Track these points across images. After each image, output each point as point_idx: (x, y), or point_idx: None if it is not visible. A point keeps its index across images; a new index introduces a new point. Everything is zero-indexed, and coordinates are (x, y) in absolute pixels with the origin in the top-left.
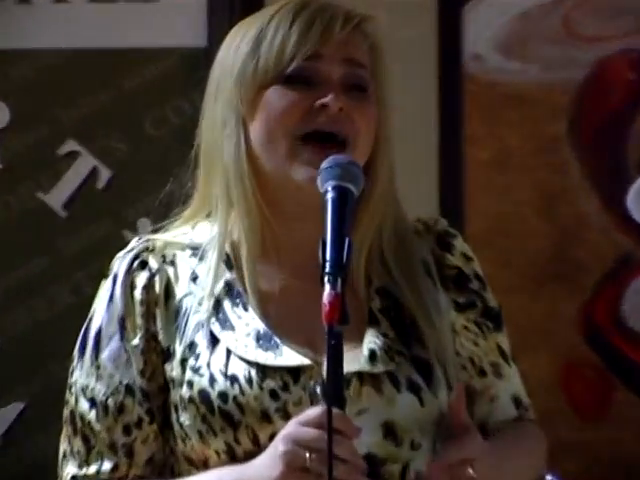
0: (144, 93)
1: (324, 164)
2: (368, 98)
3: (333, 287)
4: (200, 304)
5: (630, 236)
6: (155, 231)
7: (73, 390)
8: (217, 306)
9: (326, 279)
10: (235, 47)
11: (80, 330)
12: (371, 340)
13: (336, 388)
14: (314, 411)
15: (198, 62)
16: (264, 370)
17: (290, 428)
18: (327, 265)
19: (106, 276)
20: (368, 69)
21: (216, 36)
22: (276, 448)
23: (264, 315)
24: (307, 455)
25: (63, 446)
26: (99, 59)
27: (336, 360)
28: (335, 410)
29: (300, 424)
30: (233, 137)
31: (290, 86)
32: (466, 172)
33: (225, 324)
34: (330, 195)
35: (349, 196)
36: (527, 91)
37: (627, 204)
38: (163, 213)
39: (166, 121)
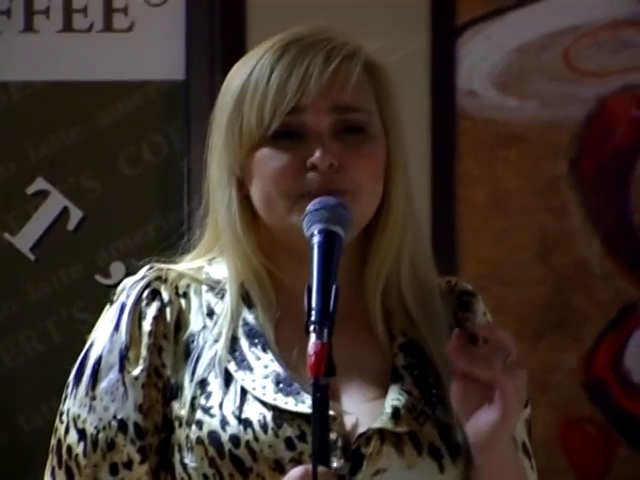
0: (118, 129)
1: (310, 207)
2: (366, 138)
3: (319, 337)
4: (216, 341)
5: (633, 284)
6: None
7: (64, 418)
8: (234, 344)
9: (311, 328)
10: (223, 102)
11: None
12: (394, 397)
13: (321, 444)
14: (298, 470)
15: (175, 96)
16: (281, 416)
17: None
18: (313, 314)
19: (111, 302)
20: (364, 107)
21: (195, 68)
22: None
23: (284, 359)
24: None
25: (46, 477)
26: (70, 93)
27: (321, 414)
28: (321, 469)
29: None
30: (225, 198)
31: (278, 145)
32: (460, 214)
33: (242, 364)
34: (316, 239)
35: (336, 240)
36: (524, 129)
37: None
38: (138, 256)
39: (141, 159)
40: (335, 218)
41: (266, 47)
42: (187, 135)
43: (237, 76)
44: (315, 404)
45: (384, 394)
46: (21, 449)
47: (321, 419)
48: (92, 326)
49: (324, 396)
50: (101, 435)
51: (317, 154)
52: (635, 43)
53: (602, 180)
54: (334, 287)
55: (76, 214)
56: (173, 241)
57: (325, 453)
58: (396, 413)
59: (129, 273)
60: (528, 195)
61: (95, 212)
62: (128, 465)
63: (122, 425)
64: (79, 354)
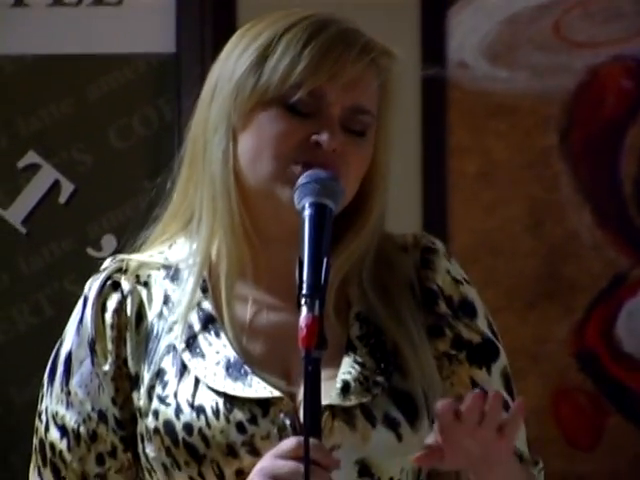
0: (109, 102)
1: (302, 179)
2: (365, 142)
3: (310, 310)
4: (171, 329)
5: (624, 254)
6: (133, 248)
7: (43, 417)
8: (189, 332)
9: (303, 301)
10: (240, 52)
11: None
12: (346, 370)
13: (314, 417)
14: (290, 442)
15: (166, 69)
16: (232, 401)
17: (266, 461)
18: (304, 286)
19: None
20: (373, 111)
21: (186, 42)
22: None
23: (237, 343)
24: None
25: (32, 477)
26: (61, 66)
27: (314, 387)
28: (312, 440)
29: (276, 457)
30: (222, 145)
31: (288, 112)
32: (451, 186)
33: (195, 351)
34: (307, 212)
35: (327, 213)
36: (515, 100)
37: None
38: (129, 229)
39: (132, 132)
40: (326, 191)
41: (299, 16)
42: (178, 108)
43: (263, 32)
44: (307, 377)
45: (338, 368)
46: (13, 422)
47: (312, 392)
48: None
49: (316, 369)
50: (82, 428)
51: (325, 135)
52: (625, 13)
53: (592, 151)
54: (325, 260)
55: (67, 187)
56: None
57: (316, 425)
58: (346, 387)
59: (120, 245)
60: (519, 166)
61: (86, 185)
62: (113, 453)
63: (102, 416)
64: None
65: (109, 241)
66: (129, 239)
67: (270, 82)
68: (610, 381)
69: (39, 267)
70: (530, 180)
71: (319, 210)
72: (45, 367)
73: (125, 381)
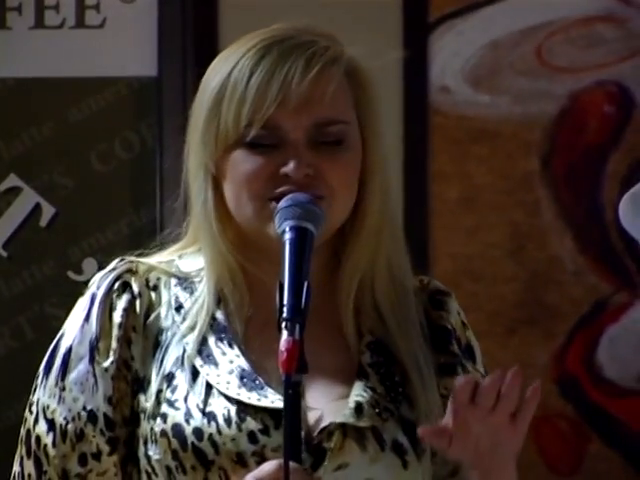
0: (90, 125)
1: (282, 203)
2: (345, 149)
3: (291, 333)
4: (184, 336)
5: (606, 280)
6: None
7: (33, 409)
8: (202, 340)
9: (283, 325)
10: (202, 98)
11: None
12: (359, 393)
13: (293, 441)
14: (270, 465)
15: (148, 93)
16: (245, 410)
17: None
18: (284, 310)
19: (82, 295)
20: (343, 117)
21: (167, 65)
22: None
23: (250, 355)
24: None
25: (15, 466)
26: (43, 89)
27: (293, 411)
28: (292, 464)
29: (255, 479)
30: (201, 196)
31: (253, 150)
32: (432, 211)
33: (208, 359)
34: (288, 236)
35: (308, 237)
36: (497, 125)
37: (619, 212)
38: (110, 253)
39: (113, 156)
40: (307, 215)
41: (248, 45)
42: (159, 131)
43: (217, 72)
44: (287, 400)
45: (349, 393)
46: None
47: (292, 415)
48: (65, 321)
49: (296, 392)
50: (70, 426)
51: (291, 165)
52: (607, 39)
53: (574, 176)
54: (306, 284)
55: (48, 210)
56: (145, 238)
57: (297, 449)
58: (359, 408)
59: (101, 269)
60: (500, 191)
61: (67, 208)
62: (97, 456)
63: (92, 416)
64: None
65: (90, 264)
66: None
67: (227, 126)
68: (591, 407)
69: (20, 290)
70: (511, 205)
71: (299, 234)
72: (27, 389)
73: (123, 382)
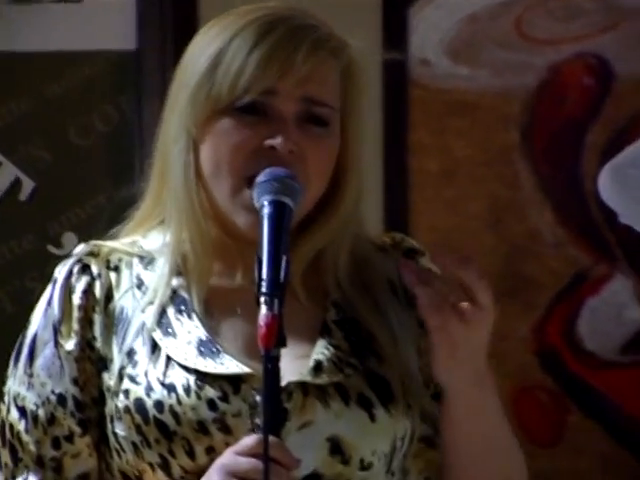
0: (69, 99)
1: (260, 177)
2: (327, 133)
3: (270, 308)
4: (143, 311)
5: (585, 252)
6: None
7: (6, 398)
8: (161, 313)
9: (262, 300)
10: (194, 60)
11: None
12: (319, 351)
13: (274, 414)
14: (250, 440)
15: (127, 66)
16: (203, 378)
17: (225, 458)
18: (263, 285)
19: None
20: (333, 104)
21: (146, 39)
22: (210, 479)
23: (208, 323)
24: None
25: None
26: (20, 63)
27: (273, 384)
28: (272, 438)
29: (236, 454)
30: (182, 158)
31: (241, 118)
32: (412, 184)
33: (167, 331)
34: (266, 211)
35: (286, 212)
36: (476, 98)
37: (599, 185)
38: (90, 227)
39: (92, 129)
40: (284, 189)
41: (250, 17)
42: (138, 105)
43: (215, 39)
44: (266, 375)
45: (312, 351)
46: None
47: (272, 390)
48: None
49: (275, 367)
50: (41, 411)
51: (279, 139)
52: (586, 10)
53: (553, 149)
54: (284, 258)
55: (28, 185)
56: (125, 212)
57: (277, 423)
58: (318, 366)
59: (81, 243)
60: (480, 164)
61: (47, 183)
62: (69, 438)
63: (61, 399)
64: None
65: (70, 239)
66: (93, 238)
67: (221, 90)
68: (571, 379)
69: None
70: (491, 178)
71: (278, 208)
72: (6, 364)
73: (88, 363)
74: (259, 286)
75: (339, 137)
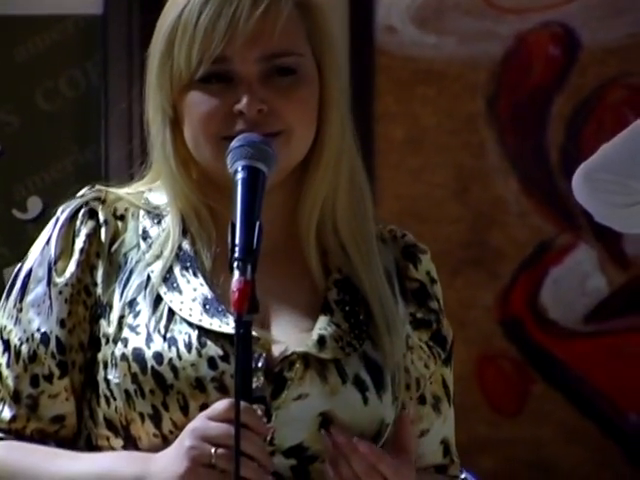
0: (35, 64)
1: (234, 143)
2: (297, 79)
3: (242, 273)
4: (149, 264)
5: (550, 221)
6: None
7: None
8: (167, 268)
9: (235, 265)
10: (156, 40)
11: None
12: (322, 327)
13: (245, 380)
14: (222, 404)
15: (93, 31)
16: (206, 335)
17: (197, 422)
18: (236, 250)
19: (27, 232)
20: (296, 49)
21: (113, 3)
22: (182, 443)
23: (214, 284)
24: (213, 451)
25: None
26: None
27: (245, 350)
28: (244, 404)
29: (208, 418)
30: (159, 138)
31: (206, 89)
32: (377, 152)
33: (172, 286)
34: (240, 176)
35: (260, 177)
36: (443, 66)
37: (573, 187)
38: (55, 191)
39: (59, 94)
40: (258, 155)
41: None
42: (104, 70)
43: (169, 15)
44: (238, 340)
45: (313, 324)
46: None
47: (244, 354)
48: (9, 260)
49: (247, 332)
50: (24, 347)
51: (244, 101)
52: None
53: (519, 118)
54: (258, 224)
55: None
56: (90, 176)
57: (248, 388)
58: (322, 340)
59: (46, 207)
60: (446, 132)
61: (13, 146)
62: (49, 378)
63: (44, 338)
64: None
65: (35, 203)
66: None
67: (180, 67)
68: (535, 348)
69: None
70: (457, 146)
71: (251, 173)
72: None
73: (81, 307)
74: (232, 251)
75: (316, 79)
